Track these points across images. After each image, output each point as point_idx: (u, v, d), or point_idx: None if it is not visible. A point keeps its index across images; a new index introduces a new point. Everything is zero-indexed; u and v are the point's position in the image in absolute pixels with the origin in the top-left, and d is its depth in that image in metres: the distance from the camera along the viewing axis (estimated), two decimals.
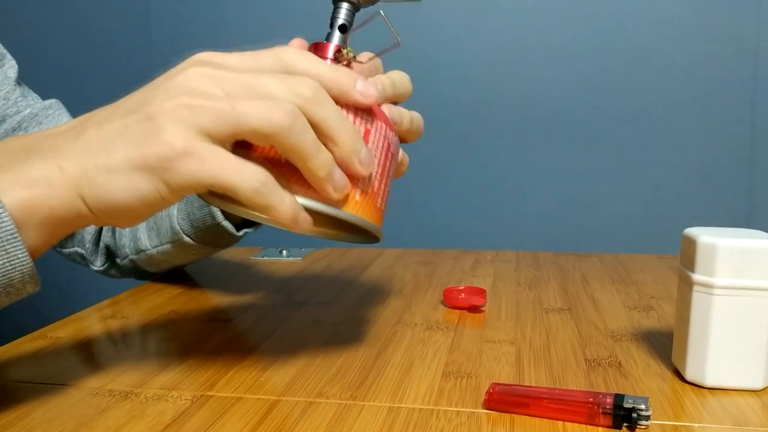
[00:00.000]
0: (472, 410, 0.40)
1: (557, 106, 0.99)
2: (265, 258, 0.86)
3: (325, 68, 0.40)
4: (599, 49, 0.97)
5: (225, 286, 0.72)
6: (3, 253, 0.35)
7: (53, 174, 0.36)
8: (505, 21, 0.99)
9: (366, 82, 0.41)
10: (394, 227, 1.04)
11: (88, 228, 0.71)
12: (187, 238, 0.66)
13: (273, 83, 0.38)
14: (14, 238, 0.35)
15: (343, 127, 0.39)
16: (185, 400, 0.42)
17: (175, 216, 0.66)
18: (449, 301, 0.62)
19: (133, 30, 1.12)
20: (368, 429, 0.38)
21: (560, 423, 0.38)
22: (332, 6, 0.47)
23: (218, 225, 0.63)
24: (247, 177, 0.36)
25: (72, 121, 0.40)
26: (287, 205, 0.38)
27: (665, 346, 0.51)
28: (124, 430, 0.38)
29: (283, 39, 0.57)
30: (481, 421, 0.39)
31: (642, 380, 0.44)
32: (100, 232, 0.73)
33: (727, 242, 0.41)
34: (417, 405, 0.41)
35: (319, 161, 0.38)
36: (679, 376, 0.44)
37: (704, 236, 0.42)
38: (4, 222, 0.34)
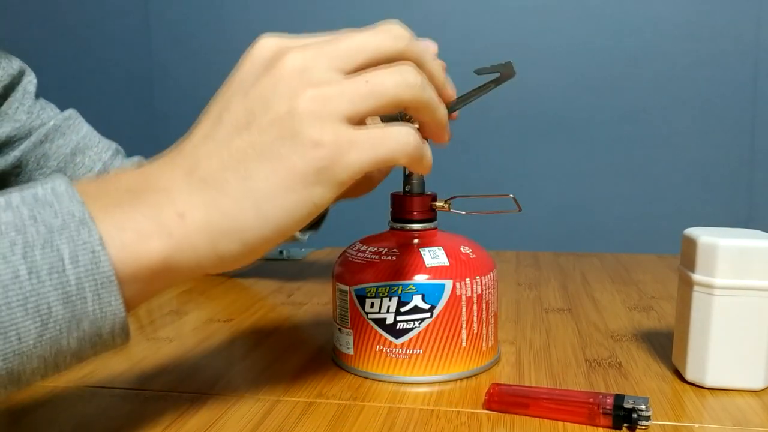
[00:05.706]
0: (472, 410, 0.40)
1: (557, 106, 0.99)
2: (265, 258, 0.86)
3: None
4: (599, 49, 0.97)
5: (225, 286, 0.72)
6: (96, 298, 0.29)
7: (171, 222, 0.31)
8: (505, 21, 0.99)
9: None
10: None
11: None
12: None
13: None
14: (111, 283, 0.30)
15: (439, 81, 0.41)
16: (185, 400, 0.42)
17: None
18: None
19: (132, 30, 1.12)
20: (368, 429, 0.38)
21: (560, 423, 0.38)
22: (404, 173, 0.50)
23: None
24: (403, 141, 0.34)
25: (168, 153, 0.34)
26: (428, 149, 0.38)
27: (665, 346, 0.51)
28: (125, 429, 0.38)
29: None
30: (481, 421, 0.38)
31: (642, 380, 0.44)
32: None
33: (727, 242, 0.41)
34: (417, 405, 0.41)
35: (441, 110, 0.38)
36: (680, 376, 0.44)
37: (704, 236, 0.42)
38: (102, 267, 0.29)
